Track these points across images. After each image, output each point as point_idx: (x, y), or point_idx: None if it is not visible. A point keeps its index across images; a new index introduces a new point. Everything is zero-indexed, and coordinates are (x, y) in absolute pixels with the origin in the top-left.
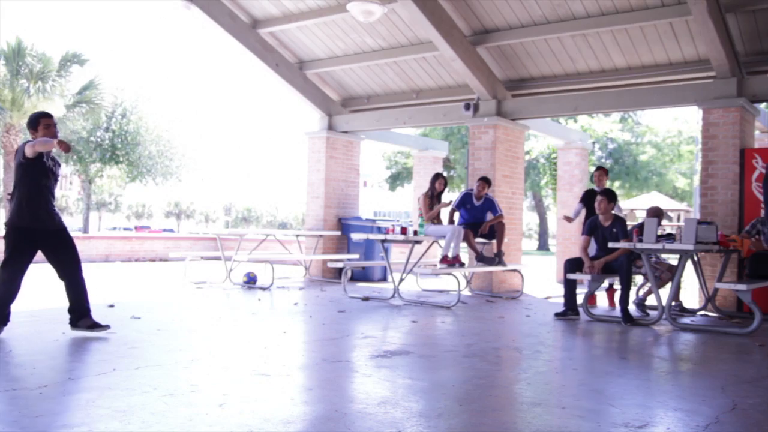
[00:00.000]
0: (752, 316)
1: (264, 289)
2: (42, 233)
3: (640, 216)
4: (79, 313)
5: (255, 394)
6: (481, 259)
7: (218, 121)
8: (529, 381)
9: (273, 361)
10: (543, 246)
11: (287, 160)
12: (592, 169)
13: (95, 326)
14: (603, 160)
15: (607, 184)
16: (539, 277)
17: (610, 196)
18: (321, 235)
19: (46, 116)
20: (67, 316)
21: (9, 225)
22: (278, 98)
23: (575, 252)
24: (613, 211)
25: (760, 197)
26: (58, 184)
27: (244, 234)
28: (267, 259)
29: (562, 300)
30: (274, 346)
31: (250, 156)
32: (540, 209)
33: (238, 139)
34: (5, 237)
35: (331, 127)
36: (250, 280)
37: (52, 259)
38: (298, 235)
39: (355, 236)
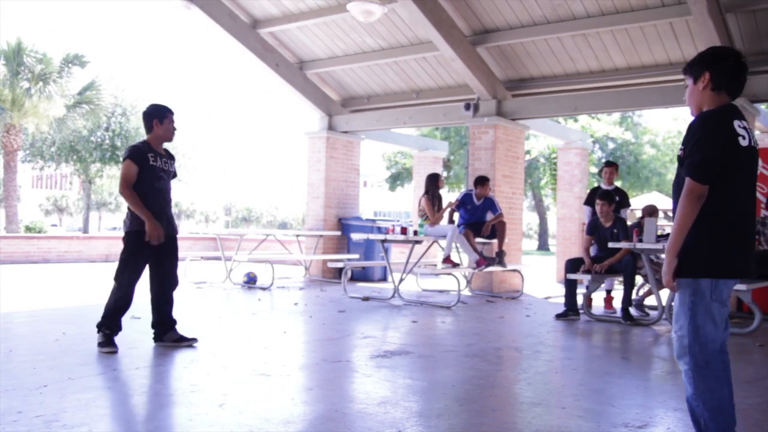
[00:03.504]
0: (752, 316)
1: (264, 289)
2: None
3: None
4: (167, 327)
5: (255, 394)
6: (483, 258)
7: (218, 121)
8: (529, 381)
9: (273, 361)
10: (543, 246)
11: (287, 160)
12: (593, 169)
13: (182, 340)
14: (603, 161)
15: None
16: (539, 277)
17: (610, 199)
18: (321, 235)
19: (172, 112)
20: (67, 317)
21: (129, 230)
22: (278, 98)
23: (575, 252)
24: (628, 211)
25: (761, 198)
26: (60, 184)
27: (244, 234)
28: (267, 259)
29: (562, 300)
30: (274, 346)
31: (250, 156)
32: (540, 209)
33: (238, 139)
34: (125, 242)
35: (331, 127)
36: (250, 280)
37: (153, 264)
38: (298, 235)
39: (355, 236)
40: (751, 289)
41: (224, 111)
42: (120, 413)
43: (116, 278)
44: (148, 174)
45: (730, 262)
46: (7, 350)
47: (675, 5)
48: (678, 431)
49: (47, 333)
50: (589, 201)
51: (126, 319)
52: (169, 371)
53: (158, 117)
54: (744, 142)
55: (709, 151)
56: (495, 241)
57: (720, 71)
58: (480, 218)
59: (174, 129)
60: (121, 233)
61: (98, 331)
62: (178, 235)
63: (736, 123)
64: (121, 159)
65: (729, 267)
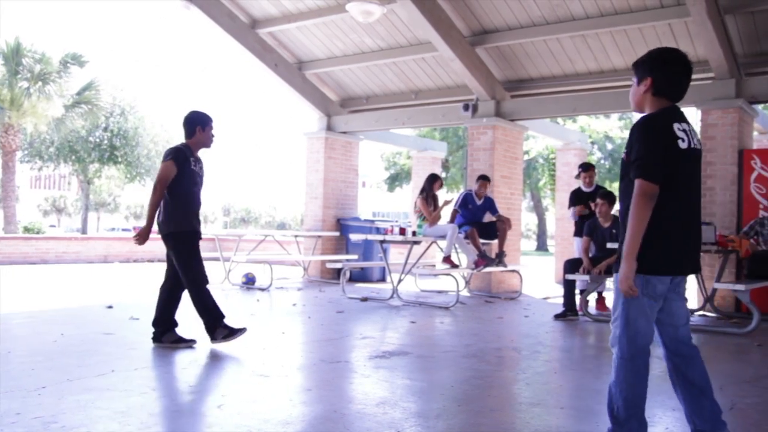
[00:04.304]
0: (750, 316)
1: (263, 289)
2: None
3: None
4: (167, 327)
5: (254, 395)
6: (482, 258)
7: (218, 121)
8: (527, 381)
9: (272, 362)
10: (541, 247)
11: (286, 161)
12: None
13: (181, 341)
14: (602, 162)
15: (606, 185)
16: (538, 277)
17: (611, 200)
18: (319, 236)
19: (212, 119)
20: (65, 318)
21: (181, 231)
22: (277, 98)
23: (574, 253)
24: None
25: (760, 199)
26: (58, 184)
27: (242, 234)
28: (265, 260)
29: (561, 301)
30: (273, 346)
31: (249, 156)
32: (539, 210)
33: (238, 139)
34: (182, 245)
35: (329, 128)
36: (249, 281)
37: (172, 263)
38: (296, 236)
39: (354, 237)
40: (750, 289)
41: (223, 111)
42: (118, 414)
43: (189, 281)
44: (188, 178)
45: (661, 260)
46: (5, 351)
47: (674, 6)
48: (676, 431)
49: (45, 334)
50: (573, 204)
51: (124, 321)
52: (168, 372)
53: (201, 124)
54: (683, 145)
55: (653, 152)
56: (495, 241)
57: (662, 77)
58: (480, 218)
59: (213, 136)
60: (119, 234)
61: (214, 338)
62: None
63: (675, 126)
64: (163, 158)
65: (658, 265)
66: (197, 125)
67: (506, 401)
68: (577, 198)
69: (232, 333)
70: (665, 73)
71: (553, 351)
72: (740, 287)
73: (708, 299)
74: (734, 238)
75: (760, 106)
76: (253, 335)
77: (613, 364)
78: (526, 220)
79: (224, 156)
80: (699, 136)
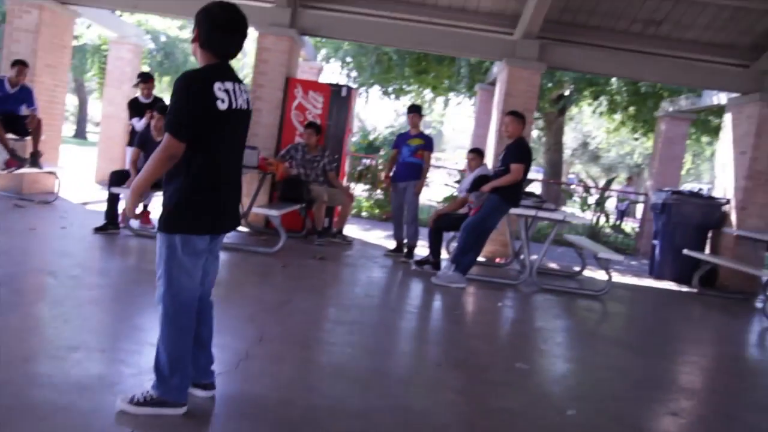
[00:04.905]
0: (279, 236)
1: None
2: None
3: None
4: None
5: None
6: (14, 159)
7: None
8: (66, 318)
9: None
10: (81, 134)
11: None
12: (146, 68)
13: None
14: (154, 53)
15: (156, 78)
16: (77, 175)
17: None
18: None
19: None
20: None
21: None
22: None
23: (118, 154)
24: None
25: (297, 125)
26: None
27: None
28: None
29: (101, 207)
30: None
31: None
32: (81, 94)
33: None
34: None
35: None
36: None
37: None
38: None
39: None
40: (282, 214)
41: None
42: None
43: None
44: None
45: (200, 220)
46: None
47: None
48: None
49: None
50: (133, 113)
51: None
52: None
53: None
54: (223, 106)
55: (184, 111)
56: (29, 139)
57: (206, 33)
58: (13, 109)
59: None
60: None
61: None
62: None
63: (216, 86)
64: None
65: (198, 225)
66: None
67: (43, 346)
68: (135, 108)
69: None
70: (209, 29)
71: (94, 275)
72: (274, 212)
73: (244, 216)
74: (273, 161)
75: (308, 38)
76: None
77: (160, 322)
78: (67, 103)
79: None
80: (248, 96)
